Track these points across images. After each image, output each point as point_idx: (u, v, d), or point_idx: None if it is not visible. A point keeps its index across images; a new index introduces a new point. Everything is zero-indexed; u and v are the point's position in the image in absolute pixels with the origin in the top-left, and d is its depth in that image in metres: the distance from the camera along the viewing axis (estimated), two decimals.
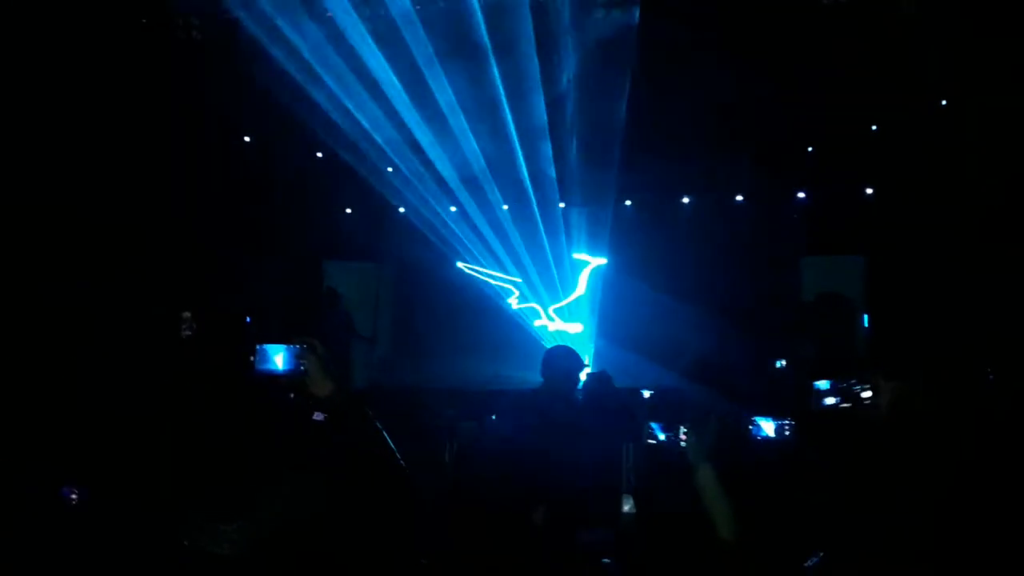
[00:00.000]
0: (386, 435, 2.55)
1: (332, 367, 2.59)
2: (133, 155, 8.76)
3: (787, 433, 3.00)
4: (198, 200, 9.61)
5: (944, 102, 8.58)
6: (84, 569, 2.22)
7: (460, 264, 10.83)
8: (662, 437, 2.80)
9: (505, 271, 10.82)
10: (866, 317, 8.35)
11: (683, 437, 2.76)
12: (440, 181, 10.30)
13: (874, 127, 9.14)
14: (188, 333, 6.72)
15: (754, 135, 9.14)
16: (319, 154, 9.95)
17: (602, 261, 10.77)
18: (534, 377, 10.13)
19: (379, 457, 2.47)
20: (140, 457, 2.68)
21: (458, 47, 8.94)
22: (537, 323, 10.89)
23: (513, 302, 10.88)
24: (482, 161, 10.04)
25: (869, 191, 9.51)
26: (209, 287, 9.46)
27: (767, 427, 3.02)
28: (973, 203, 7.93)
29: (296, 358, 2.47)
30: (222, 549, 2.24)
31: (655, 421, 2.84)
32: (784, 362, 7.03)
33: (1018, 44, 7.27)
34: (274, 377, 2.47)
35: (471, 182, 10.29)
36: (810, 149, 9.58)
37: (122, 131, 8.59)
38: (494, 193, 10.46)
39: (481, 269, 10.86)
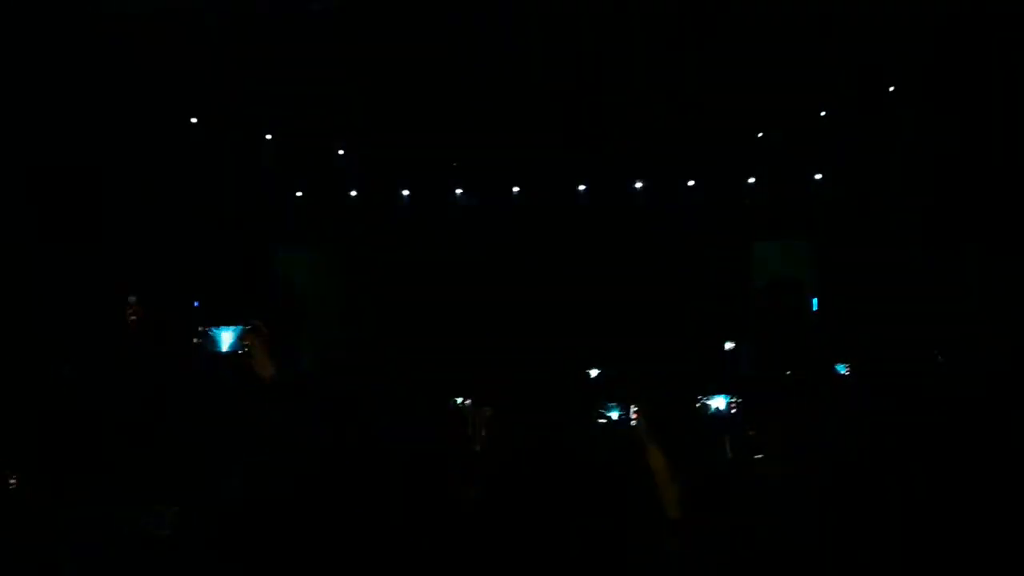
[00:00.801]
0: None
1: (278, 350, 2.56)
2: (77, 135, 8.54)
3: (733, 411, 3.05)
4: (147, 184, 9.40)
5: (891, 88, 8.73)
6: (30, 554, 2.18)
7: None
8: (615, 416, 2.82)
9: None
10: (815, 301, 8.50)
11: (634, 415, 2.78)
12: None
13: (823, 113, 9.26)
14: (134, 318, 6.60)
15: (705, 120, 9.20)
16: (268, 136, 9.76)
17: None
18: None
19: (318, 443, 2.46)
20: (82, 441, 2.63)
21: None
22: None
23: None
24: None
25: (817, 176, 9.65)
26: (158, 272, 9.27)
27: (717, 403, 3.07)
28: (920, 187, 8.11)
29: (239, 340, 2.44)
30: (163, 531, 2.21)
31: (609, 400, 2.86)
32: (733, 344, 7.14)
33: (965, 31, 7.42)
34: (219, 358, 2.44)
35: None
36: (760, 135, 9.68)
37: (63, 112, 8.35)
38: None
39: None
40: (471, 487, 2.98)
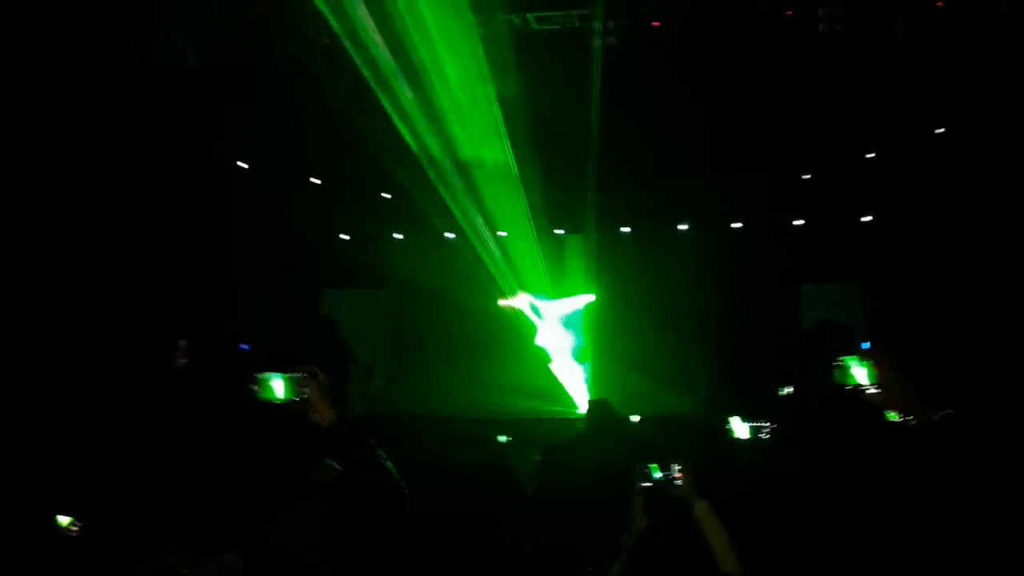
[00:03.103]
0: (390, 465, 2.50)
1: (334, 396, 2.56)
2: (128, 181, 8.73)
3: (763, 436, 2.97)
4: (195, 228, 9.56)
5: (941, 129, 8.62)
6: None
7: (501, 302, 10.76)
8: (658, 476, 2.74)
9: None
10: (866, 344, 8.31)
11: (678, 475, 2.71)
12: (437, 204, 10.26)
13: (870, 155, 9.17)
14: (185, 361, 6.68)
15: (750, 162, 9.15)
16: (316, 180, 9.92)
17: (590, 298, 10.78)
18: (535, 406, 10.11)
19: (384, 488, 2.41)
20: (137, 486, 2.63)
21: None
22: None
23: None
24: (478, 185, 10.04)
25: (866, 218, 9.51)
26: (206, 316, 9.39)
27: (740, 428, 2.99)
28: (969, 228, 7.95)
29: (296, 387, 2.43)
30: None
31: (649, 461, 2.79)
32: (791, 389, 6.96)
33: (1010, 73, 7.32)
34: (274, 407, 2.44)
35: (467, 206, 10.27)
36: (806, 176, 9.60)
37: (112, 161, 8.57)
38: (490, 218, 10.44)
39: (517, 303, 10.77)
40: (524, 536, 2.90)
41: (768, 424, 2.98)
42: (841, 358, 2.90)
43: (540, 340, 10.77)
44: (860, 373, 2.86)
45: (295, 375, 2.49)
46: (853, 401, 2.82)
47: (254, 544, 2.39)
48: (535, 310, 10.81)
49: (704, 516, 2.59)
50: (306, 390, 2.48)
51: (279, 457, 2.61)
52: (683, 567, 2.48)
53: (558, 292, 10.92)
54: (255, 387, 2.54)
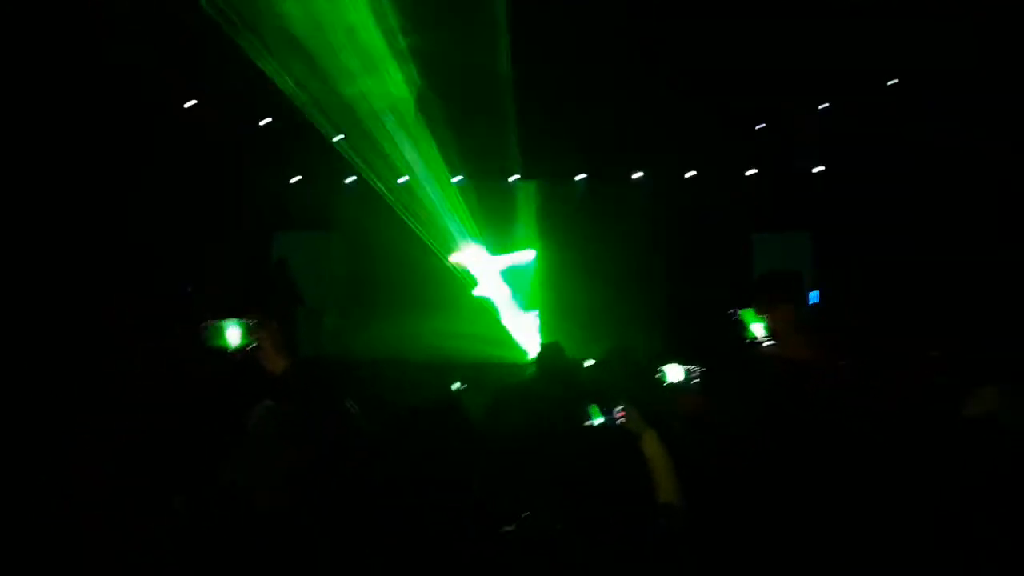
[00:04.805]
0: (352, 406, 2.50)
1: (286, 342, 2.52)
2: (63, 126, 8.43)
3: (694, 381, 3.03)
4: (138, 170, 9.30)
5: (894, 80, 8.69)
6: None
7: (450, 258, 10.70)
8: (599, 420, 2.78)
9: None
10: (816, 294, 8.49)
11: (620, 415, 2.75)
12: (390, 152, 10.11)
13: (825, 104, 9.23)
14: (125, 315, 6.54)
15: (704, 110, 9.14)
16: (267, 119, 9.67)
17: (532, 254, 10.83)
18: (488, 352, 10.17)
19: (341, 430, 2.42)
20: (87, 441, 2.58)
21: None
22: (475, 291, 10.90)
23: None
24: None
25: (817, 168, 9.63)
26: (152, 262, 9.19)
27: (673, 372, 3.05)
28: (924, 179, 8.10)
29: (249, 333, 2.40)
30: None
31: (592, 403, 2.82)
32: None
33: (966, 20, 7.38)
34: (226, 354, 2.40)
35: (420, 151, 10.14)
36: (760, 126, 9.64)
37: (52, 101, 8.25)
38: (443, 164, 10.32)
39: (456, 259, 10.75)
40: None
41: (698, 368, 3.05)
42: (738, 311, 3.01)
43: (480, 292, 10.80)
44: (756, 327, 2.99)
45: (248, 321, 2.45)
46: (749, 352, 2.93)
47: (205, 485, 2.38)
48: (477, 262, 10.80)
49: (650, 445, 2.65)
50: (257, 336, 2.44)
51: (226, 401, 2.58)
52: (624, 499, 2.53)
53: (508, 242, 10.92)
54: (206, 334, 2.50)
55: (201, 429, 2.56)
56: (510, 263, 10.90)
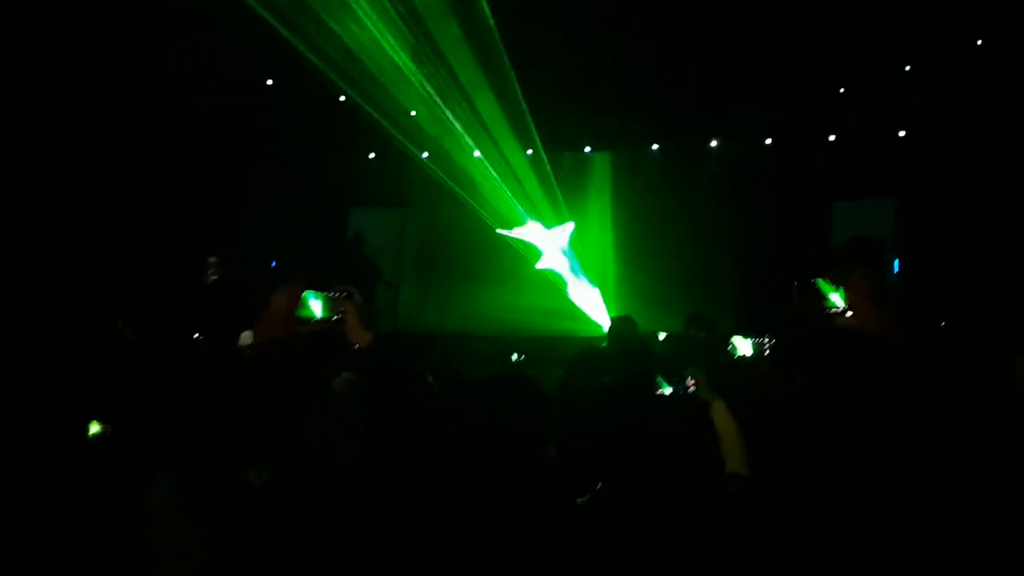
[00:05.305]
0: (430, 379, 2.54)
1: (369, 316, 2.58)
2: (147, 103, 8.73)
3: (766, 352, 2.98)
4: (220, 149, 9.58)
5: (979, 41, 8.30)
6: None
7: (500, 231, 10.77)
8: (668, 389, 2.78)
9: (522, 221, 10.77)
10: (897, 262, 8.23)
11: (690, 383, 2.75)
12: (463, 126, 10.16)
13: (907, 67, 8.87)
14: (215, 278, 6.77)
15: (783, 77, 8.89)
16: (342, 98, 9.82)
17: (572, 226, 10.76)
18: (561, 325, 10.21)
19: (423, 403, 2.46)
20: (168, 404, 2.66)
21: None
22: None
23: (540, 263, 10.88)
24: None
25: (901, 133, 9.28)
26: (235, 234, 9.49)
27: (743, 345, 3.01)
28: (1008, 145, 7.74)
29: (332, 306, 2.46)
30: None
31: (660, 373, 2.82)
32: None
33: None
34: (312, 324, 2.46)
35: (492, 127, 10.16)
36: (841, 90, 9.33)
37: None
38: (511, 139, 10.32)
39: (515, 233, 10.78)
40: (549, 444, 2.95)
41: (769, 340, 2.99)
42: (815, 280, 2.85)
43: (543, 264, 10.78)
44: (835, 297, 2.82)
45: (332, 294, 2.50)
46: (824, 323, 2.81)
47: (287, 449, 2.45)
48: (539, 235, 10.79)
49: (720, 414, 2.65)
50: (342, 310, 2.48)
51: (308, 371, 2.65)
52: (692, 467, 2.54)
53: (581, 214, 10.87)
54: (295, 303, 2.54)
55: (284, 401, 2.62)
56: (566, 234, 10.82)
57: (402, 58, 9.37)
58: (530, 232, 10.77)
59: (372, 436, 2.43)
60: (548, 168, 10.45)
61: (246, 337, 2.88)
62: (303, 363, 2.70)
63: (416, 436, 2.33)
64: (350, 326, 2.44)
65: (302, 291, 2.45)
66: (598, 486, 2.46)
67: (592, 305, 10.56)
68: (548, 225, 10.78)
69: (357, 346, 2.43)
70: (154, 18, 8.19)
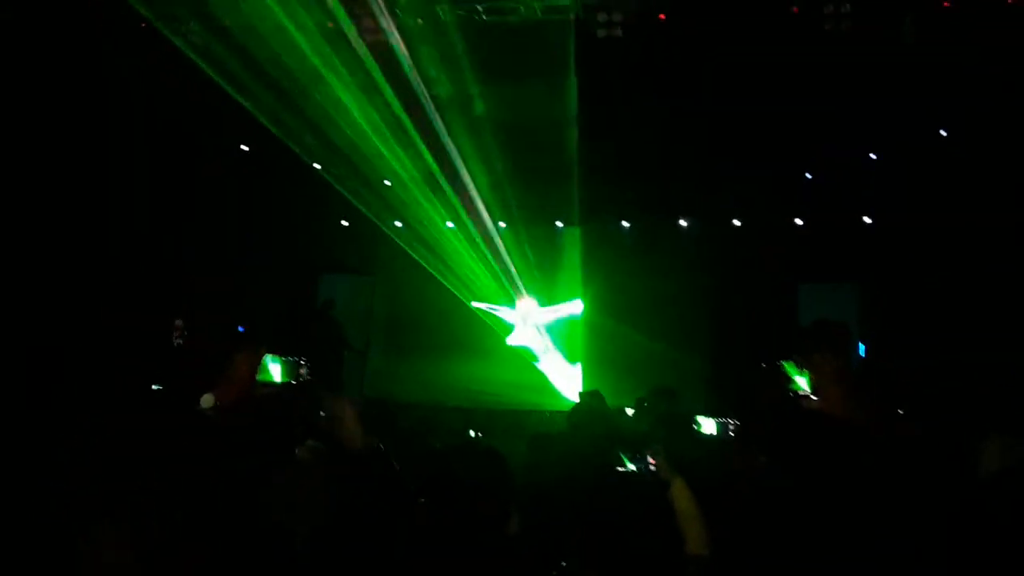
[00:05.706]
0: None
1: (329, 380, 2.55)
2: (120, 164, 8.72)
3: (730, 432, 2.98)
4: (191, 213, 9.55)
5: (943, 132, 8.61)
6: None
7: (474, 304, 10.79)
8: (631, 467, 2.75)
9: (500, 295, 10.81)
10: (862, 346, 8.33)
11: (652, 462, 2.73)
12: (437, 196, 10.26)
13: (872, 156, 9.16)
14: (179, 342, 6.68)
15: (752, 159, 9.13)
16: (316, 166, 9.89)
17: (577, 306, 10.83)
18: (527, 398, 10.15)
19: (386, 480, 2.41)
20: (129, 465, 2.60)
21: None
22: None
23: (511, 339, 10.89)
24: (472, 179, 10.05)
25: (867, 220, 9.51)
26: (202, 299, 9.37)
27: (707, 424, 3.01)
28: (971, 232, 7.95)
29: (295, 372, 2.43)
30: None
31: (623, 450, 2.79)
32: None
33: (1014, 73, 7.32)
34: (271, 388, 2.44)
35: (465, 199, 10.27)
36: (808, 176, 9.59)
37: (106, 143, 8.55)
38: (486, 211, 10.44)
39: (491, 307, 10.82)
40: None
41: (734, 422, 2.99)
42: (781, 362, 2.86)
43: (513, 340, 10.79)
44: (799, 380, 2.83)
45: (291, 359, 2.48)
46: (791, 406, 2.81)
47: (244, 517, 2.38)
48: (517, 313, 10.82)
49: (680, 493, 2.61)
50: (339, 412, 2.43)
51: (271, 436, 2.60)
52: (653, 547, 2.49)
53: (552, 288, 10.93)
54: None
55: (246, 461, 2.56)
56: (554, 315, 10.88)
57: (379, 128, 9.49)
58: (503, 310, 10.80)
59: (334, 507, 2.37)
60: (523, 240, 10.54)
61: (206, 400, 2.84)
62: (266, 428, 2.65)
63: (378, 507, 2.28)
64: (347, 430, 2.37)
65: (263, 356, 2.42)
66: (563, 564, 2.41)
67: (561, 379, 10.54)
68: (537, 298, 10.82)
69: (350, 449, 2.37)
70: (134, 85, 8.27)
